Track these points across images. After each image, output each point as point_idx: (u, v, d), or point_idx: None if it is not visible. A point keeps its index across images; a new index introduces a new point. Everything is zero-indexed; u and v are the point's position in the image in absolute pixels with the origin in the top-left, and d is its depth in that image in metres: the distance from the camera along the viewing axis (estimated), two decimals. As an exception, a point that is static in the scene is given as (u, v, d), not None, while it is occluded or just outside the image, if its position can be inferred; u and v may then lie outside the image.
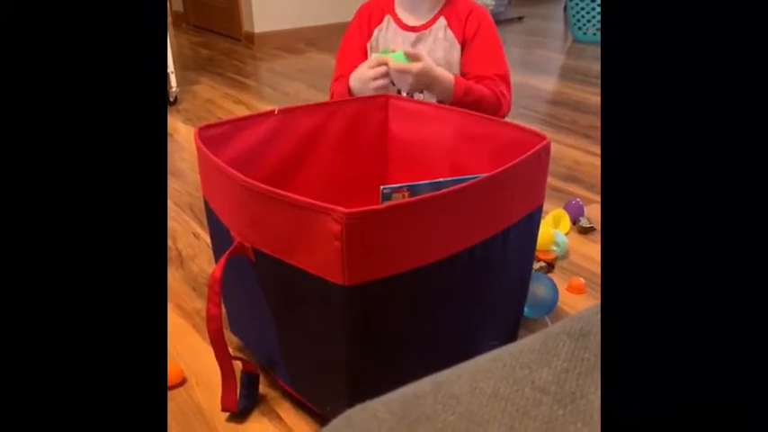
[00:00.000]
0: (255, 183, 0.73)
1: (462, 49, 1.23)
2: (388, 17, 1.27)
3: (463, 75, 1.23)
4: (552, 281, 1.07)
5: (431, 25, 1.24)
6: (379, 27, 1.27)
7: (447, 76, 1.15)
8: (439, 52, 1.24)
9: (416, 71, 1.10)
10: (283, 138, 1.07)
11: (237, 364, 0.89)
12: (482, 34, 1.23)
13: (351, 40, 1.31)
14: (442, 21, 1.24)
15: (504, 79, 1.23)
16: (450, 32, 1.23)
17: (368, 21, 1.28)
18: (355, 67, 1.21)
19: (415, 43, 1.25)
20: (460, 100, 1.15)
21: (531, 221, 0.89)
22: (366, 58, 1.27)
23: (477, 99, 1.16)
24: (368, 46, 1.28)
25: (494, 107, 1.19)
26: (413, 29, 1.25)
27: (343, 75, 1.25)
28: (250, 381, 0.90)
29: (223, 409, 0.86)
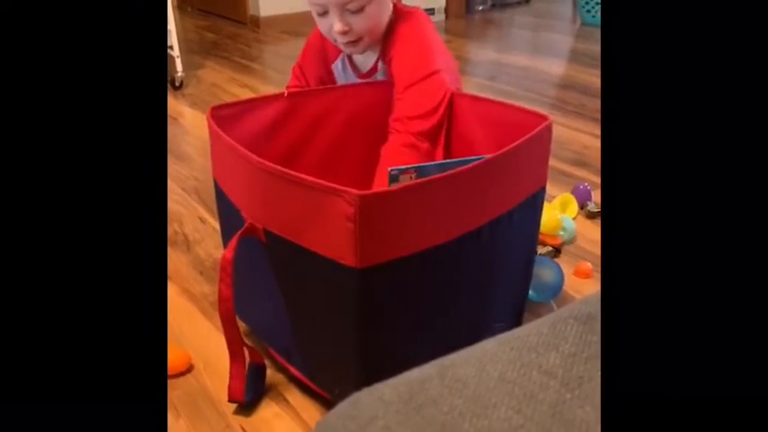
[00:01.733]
0: (268, 163, 0.73)
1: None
2: (343, 57, 1.17)
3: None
4: (558, 265, 1.07)
5: (375, 71, 1.15)
6: (335, 65, 1.18)
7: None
8: None
9: None
10: (293, 120, 1.07)
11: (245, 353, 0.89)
12: (403, 44, 1.06)
13: (307, 61, 1.20)
14: (380, 64, 1.13)
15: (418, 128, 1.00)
16: (387, 74, 1.12)
17: (325, 56, 1.18)
18: (313, 76, 1.18)
19: None
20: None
21: (535, 202, 0.89)
22: (323, 79, 1.19)
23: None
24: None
25: (419, 150, 0.99)
26: (361, 75, 1.17)
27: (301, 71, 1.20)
28: (257, 373, 0.90)
29: (230, 399, 0.85)
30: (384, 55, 1.12)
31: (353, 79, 1.18)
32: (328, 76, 1.21)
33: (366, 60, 1.16)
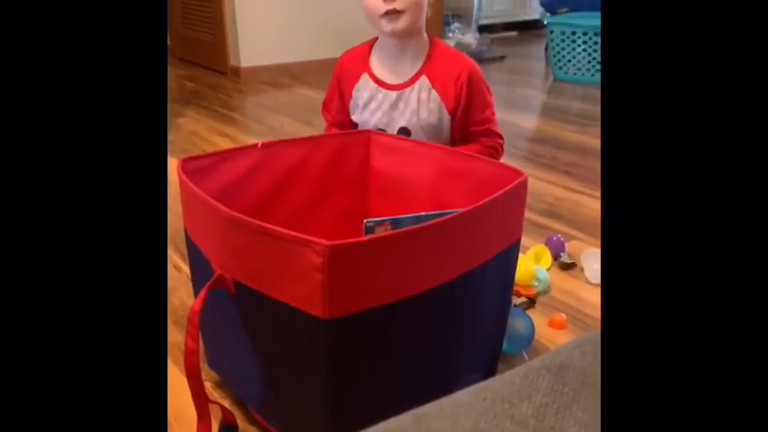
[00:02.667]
0: (237, 214, 0.74)
1: (455, 111, 1.20)
2: (364, 75, 1.23)
3: (457, 130, 1.23)
4: (528, 316, 1.08)
5: (412, 83, 1.20)
6: (356, 87, 1.24)
7: None
8: (423, 113, 1.20)
9: None
10: (266, 171, 1.07)
11: (216, 409, 0.87)
12: (476, 94, 1.20)
13: (331, 98, 1.30)
14: (424, 80, 1.19)
15: (495, 131, 1.25)
16: (434, 94, 1.19)
17: (348, 80, 1.25)
18: (341, 123, 1.25)
19: (396, 103, 1.21)
20: None
21: (510, 255, 0.90)
22: (347, 117, 1.27)
23: None
24: (349, 107, 1.27)
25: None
26: (393, 87, 1.21)
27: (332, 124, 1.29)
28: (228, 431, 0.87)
29: None
30: (429, 72, 1.20)
31: (377, 94, 1.22)
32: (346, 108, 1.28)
33: (399, 74, 1.21)
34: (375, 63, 1.24)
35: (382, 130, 1.23)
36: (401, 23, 1.15)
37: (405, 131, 1.22)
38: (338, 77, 1.28)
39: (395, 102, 1.22)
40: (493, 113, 1.25)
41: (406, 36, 1.18)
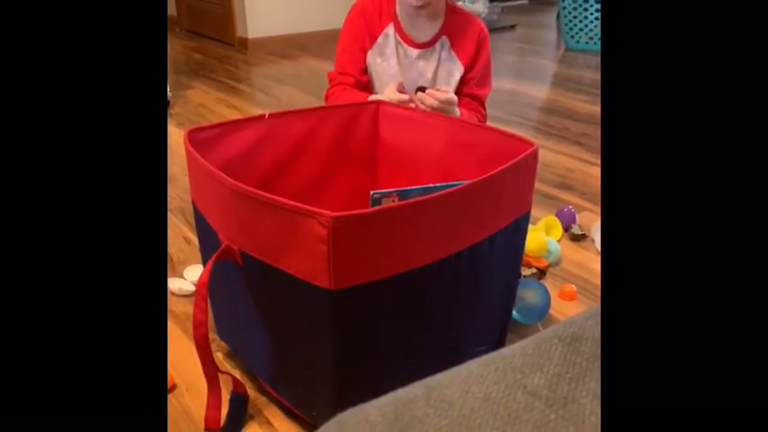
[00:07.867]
0: (243, 186, 0.73)
1: (469, 68, 1.27)
2: (391, 26, 1.26)
3: (459, 89, 1.27)
4: (544, 286, 1.07)
5: (434, 43, 1.25)
6: (384, 34, 1.26)
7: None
8: (441, 71, 1.26)
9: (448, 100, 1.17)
10: (274, 142, 1.06)
11: (227, 379, 0.88)
12: (484, 58, 1.27)
13: (351, 37, 1.29)
14: (445, 41, 1.25)
15: (483, 101, 1.31)
16: (453, 54, 1.25)
17: (372, 22, 1.26)
18: (357, 66, 1.26)
19: (417, 59, 1.26)
20: None
21: (519, 227, 0.89)
22: (357, 70, 1.27)
23: None
24: (370, 53, 1.27)
25: None
26: (417, 45, 1.26)
27: (345, 73, 1.27)
28: (239, 403, 0.88)
29: (206, 428, 0.83)
30: (449, 33, 1.25)
31: (405, 50, 1.26)
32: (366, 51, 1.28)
33: (422, 32, 1.26)
34: (400, 14, 1.26)
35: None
36: (427, 9, 1.22)
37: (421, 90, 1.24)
38: (363, 19, 1.27)
39: (416, 58, 1.25)
40: (488, 93, 1.31)
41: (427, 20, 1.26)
